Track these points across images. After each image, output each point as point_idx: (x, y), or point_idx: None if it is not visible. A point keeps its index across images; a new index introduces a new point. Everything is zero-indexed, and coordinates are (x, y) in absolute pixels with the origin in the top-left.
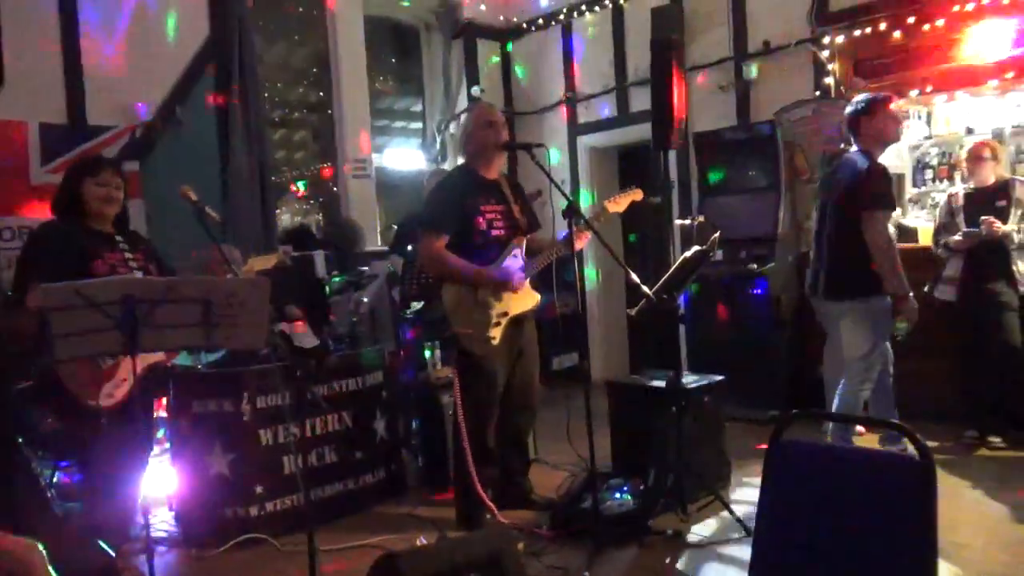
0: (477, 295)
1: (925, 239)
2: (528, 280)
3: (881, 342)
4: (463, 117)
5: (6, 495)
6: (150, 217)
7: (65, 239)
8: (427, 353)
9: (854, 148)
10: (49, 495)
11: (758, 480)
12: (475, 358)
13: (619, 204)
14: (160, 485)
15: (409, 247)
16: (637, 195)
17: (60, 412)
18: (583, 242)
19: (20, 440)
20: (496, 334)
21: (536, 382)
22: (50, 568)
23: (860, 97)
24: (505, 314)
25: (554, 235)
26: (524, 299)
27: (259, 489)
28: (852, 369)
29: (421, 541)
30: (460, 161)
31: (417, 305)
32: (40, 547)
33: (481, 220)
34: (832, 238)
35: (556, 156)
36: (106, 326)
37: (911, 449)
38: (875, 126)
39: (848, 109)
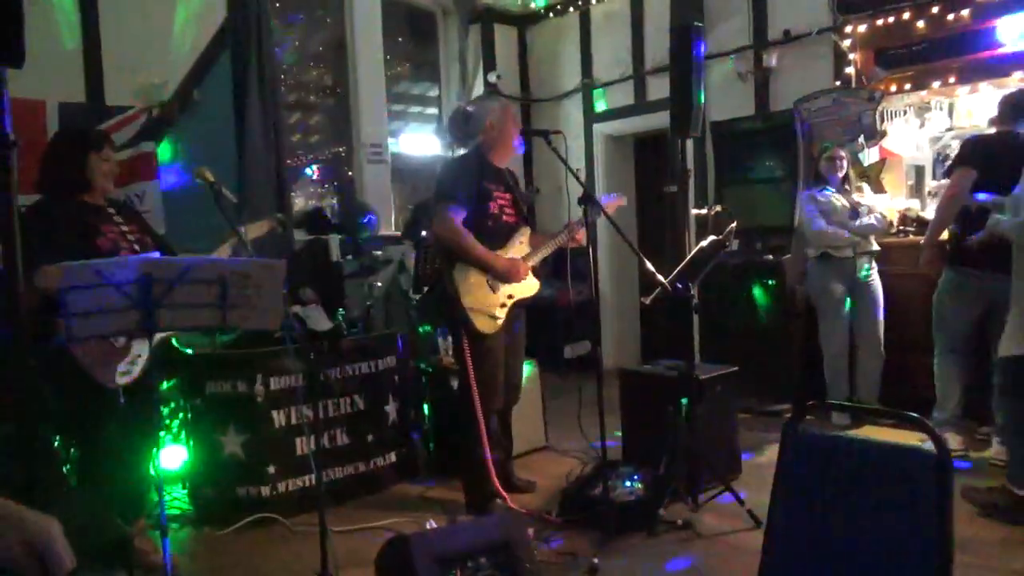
0: (487, 276)
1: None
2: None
3: None
4: (487, 104)
5: (23, 470)
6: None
7: (68, 216)
8: (439, 339)
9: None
10: (65, 470)
11: (768, 471)
12: (482, 339)
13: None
14: (174, 464)
15: (424, 232)
16: (622, 202)
17: (75, 391)
18: (580, 239)
19: (36, 415)
20: (502, 315)
21: (523, 362)
22: (66, 542)
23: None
24: (511, 296)
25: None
26: (528, 285)
27: (271, 470)
28: None
29: (431, 524)
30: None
31: (417, 296)
32: (57, 521)
33: (494, 205)
34: None
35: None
36: (122, 305)
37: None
38: None
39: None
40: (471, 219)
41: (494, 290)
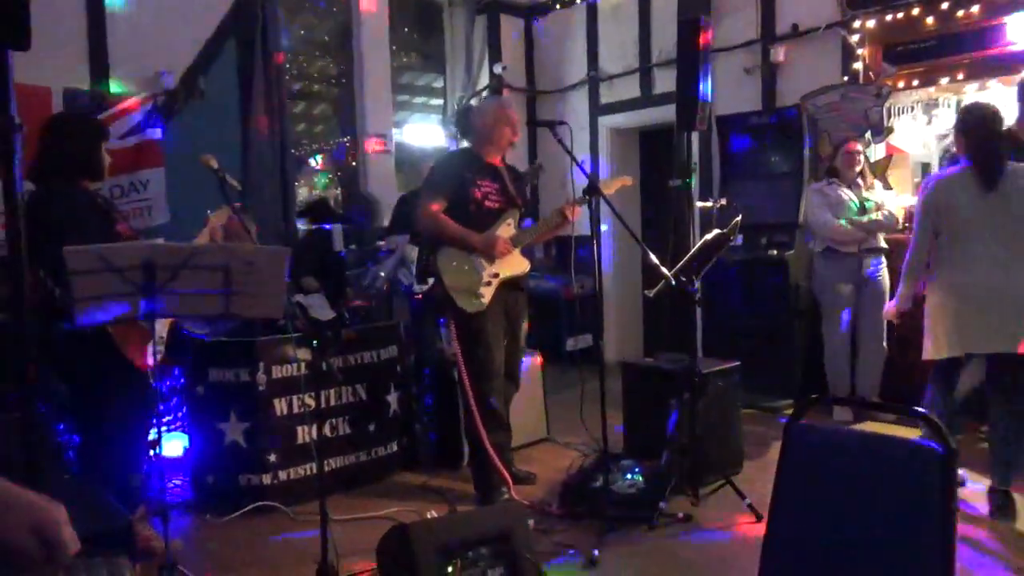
0: (470, 256)
1: None
2: (518, 248)
3: None
4: (484, 104)
5: (25, 457)
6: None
7: (91, 201)
8: (442, 329)
9: None
10: (66, 457)
11: (770, 466)
12: (471, 321)
13: (609, 188)
14: (176, 451)
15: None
16: (627, 181)
17: (108, 371)
18: (574, 216)
19: (39, 403)
20: (487, 293)
21: (522, 354)
22: (72, 527)
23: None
24: (496, 275)
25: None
26: (514, 264)
27: (273, 458)
28: None
29: (431, 514)
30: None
31: (423, 287)
32: (62, 505)
33: (477, 191)
34: None
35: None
36: (127, 291)
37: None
38: None
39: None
40: (454, 206)
41: (478, 269)
